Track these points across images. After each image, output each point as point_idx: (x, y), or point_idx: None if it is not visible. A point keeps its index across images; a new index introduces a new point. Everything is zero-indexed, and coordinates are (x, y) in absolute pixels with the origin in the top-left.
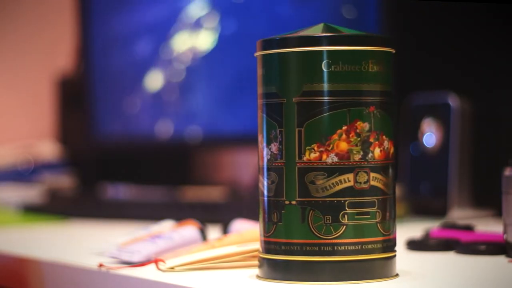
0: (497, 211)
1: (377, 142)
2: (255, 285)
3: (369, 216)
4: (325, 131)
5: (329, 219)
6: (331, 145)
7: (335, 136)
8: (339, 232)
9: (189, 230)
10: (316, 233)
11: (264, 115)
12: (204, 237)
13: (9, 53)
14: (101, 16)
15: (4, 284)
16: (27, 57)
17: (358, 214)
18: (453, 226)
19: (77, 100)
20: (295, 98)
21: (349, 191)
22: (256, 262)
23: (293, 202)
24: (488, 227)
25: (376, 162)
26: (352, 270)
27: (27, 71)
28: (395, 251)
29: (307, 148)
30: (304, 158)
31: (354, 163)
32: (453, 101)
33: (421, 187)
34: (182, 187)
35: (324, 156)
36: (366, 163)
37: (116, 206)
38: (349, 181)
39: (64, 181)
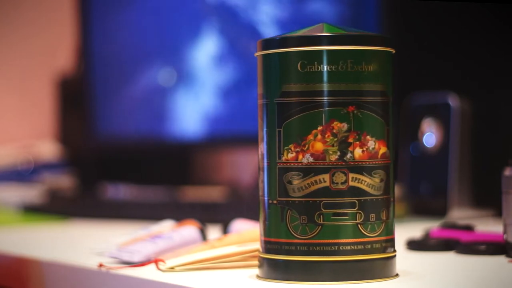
0: (497, 211)
1: (358, 143)
2: (255, 285)
3: (347, 217)
4: (300, 132)
5: (304, 219)
6: (307, 146)
7: (311, 137)
8: (314, 232)
9: (189, 230)
10: (293, 233)
11: (259, 116)
12: (204, 237)
13: (9, 53)
14: (101, 16)
15: (4, 284)
16: (27, 57)
17: (335, 214)
18: (453, 226)
19: (77, 100)
20: (276, 98)
21: (325, 192)
22: (256, 262)
23: (275, 202)
24: (488, 227)
25: (356, 163)
26: (334, 270)
27: (27, 71)
28: (388, 251)
29: (285, 148)
30: (283, 158)
31: (330, 164)
32: (453, 101)
33: (421, 187)
34: (182, 187)
35: (300, 157)
36: (344, 163)
37: (116, 206)
38: (324, 181)
39: (64, 181)
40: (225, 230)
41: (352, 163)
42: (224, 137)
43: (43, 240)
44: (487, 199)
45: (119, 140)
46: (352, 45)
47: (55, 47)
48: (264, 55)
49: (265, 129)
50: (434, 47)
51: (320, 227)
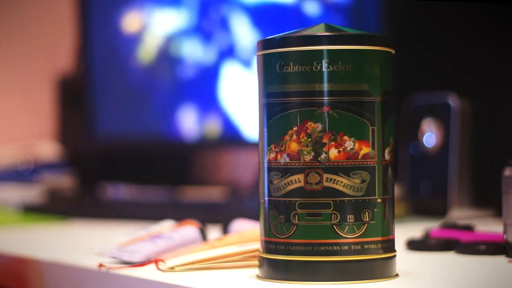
0: (497, 211)
1: (333, 143)
2: (255, 285)
3: (321, 218)
4: (279, 132)
5: (282, 219)
6: (284, 146)
7: (287, 137)
8: (290, 232)
9: (189, 230)
10: (274, 232)
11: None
12: (204, 237)
13: (10, 53)
14: (101, 16)
15: (4, 284)
16: (27, 57)
17: (309, 215)
18: (453, 226)
19: (77, 100)
20: (264, 99)
21: (299, 192)
22: (256, 262)
23: (262, 201)
24: (488, 227)
25: (331, 163)
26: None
27: (27, 71)
28: (371, 253)
29: (268, 148)
30: (267, 158)
31: (304, 164)
32: (453, 101)
33: (421, 187)
34: (182, 187)
35: (279, 157)
36: (318, 164)
37: (116, 206)
38: (299, 181)
39: (64, 181)
40: (225, 230)
41: (326, 164)
42: (224, 137)
43: (43, 240)
44: (487, 199)
45: (119, 140)
46: (328, 45)
47: (55, 47)
48: (258, 56)
49: (259, 129)
50: (434, 47)
51: (295, 227)
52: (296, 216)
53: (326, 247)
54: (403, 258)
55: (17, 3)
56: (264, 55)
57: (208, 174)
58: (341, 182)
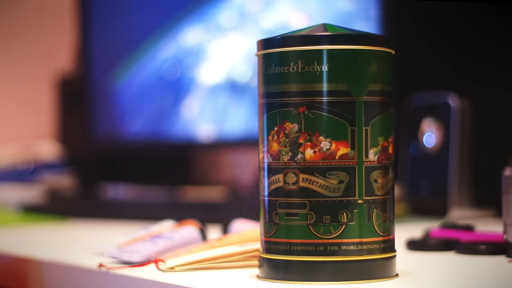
0: (497, 211)
1: (308, 143)
2: (255, 285)
3: (297, 218)
4: (264, 132)
5: (267, 218)
6: (268, 146)
7: (270, 137)
8: (272, 231)
9: (189, 230)
10: (262, 231)
11: None
12: (204, 237)
13: (10, 53)
14: (101, 16)
15: (4, 284)
16: (27, 57)
17: (287, 214)
18: (453, 226)
19: (77, 100)
20: (258, 100)
21: (279, 192)
22: (256, 262)
23: (260, 199)
24: (488, 227)
25: (306, 164)
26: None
27: (27, 71)
28: (352, 254)
29: (259, 148)
30: (259, 158)
31: (283, 164)
32: (453, 101)
33: (421, 187)
34: (182, 187)
35: (265, 157)
36: (294, 164)
37: (116, 206)
38: (279, 181)
39: (64, 181)
40: (225, 230)
41: (302, 164)
42: (224, 137)
43: (43, 240)
44: (487, 199)
45: (119, 140)
46: (305, 45)
47: (55, 47)
48: (257, 56)
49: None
50: (434, 47)
51: (276, 226)
52: (277, 216)
53: (302, 247)
54: (403, 258)
55: (17, 4)
56: (257, 56)
57: (208, 174)
58: (317, 182)
